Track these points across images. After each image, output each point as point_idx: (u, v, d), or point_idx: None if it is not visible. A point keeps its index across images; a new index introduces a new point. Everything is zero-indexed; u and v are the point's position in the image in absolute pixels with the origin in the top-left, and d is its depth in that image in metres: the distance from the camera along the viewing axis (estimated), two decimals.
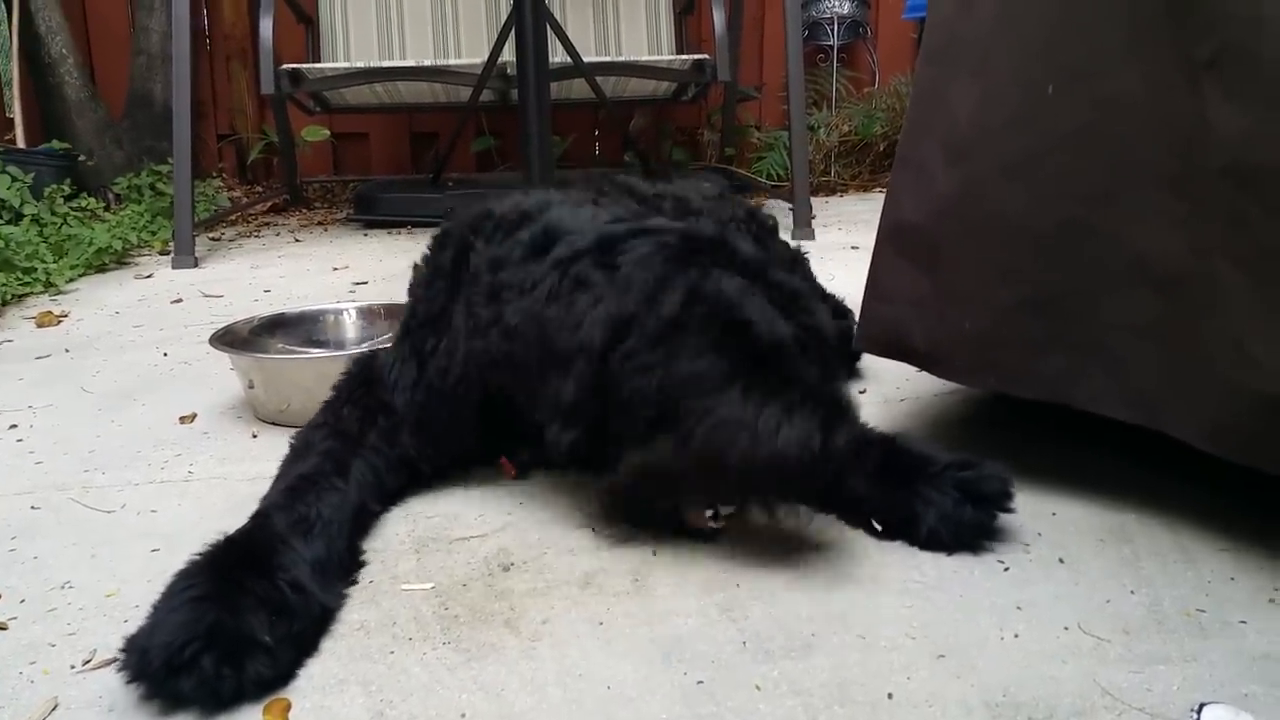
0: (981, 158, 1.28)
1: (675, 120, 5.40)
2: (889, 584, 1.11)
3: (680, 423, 1.10)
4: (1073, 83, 1.17)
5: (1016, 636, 1.00)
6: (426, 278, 1.43)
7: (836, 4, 5.27)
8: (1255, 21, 1.01)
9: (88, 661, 1.00)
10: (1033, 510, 1.29)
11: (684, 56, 4.09)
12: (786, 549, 1.19)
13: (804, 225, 3.65)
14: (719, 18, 3.91)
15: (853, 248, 3.42)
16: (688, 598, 1.09)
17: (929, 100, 1.37)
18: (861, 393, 1.81)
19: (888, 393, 1.80)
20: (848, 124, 5.24)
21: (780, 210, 4.01)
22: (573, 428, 1.18)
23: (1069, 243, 1.20)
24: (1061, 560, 1.16)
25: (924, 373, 1.52)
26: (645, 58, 4.20)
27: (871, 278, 1.48)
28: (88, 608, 1.11)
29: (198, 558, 1.04)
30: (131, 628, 0.97)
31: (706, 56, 3.83)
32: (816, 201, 4.44)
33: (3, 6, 4.49)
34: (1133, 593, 1.08)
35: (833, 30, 5.27)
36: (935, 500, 1.19)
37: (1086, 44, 1.16)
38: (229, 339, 1.81)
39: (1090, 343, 1.21)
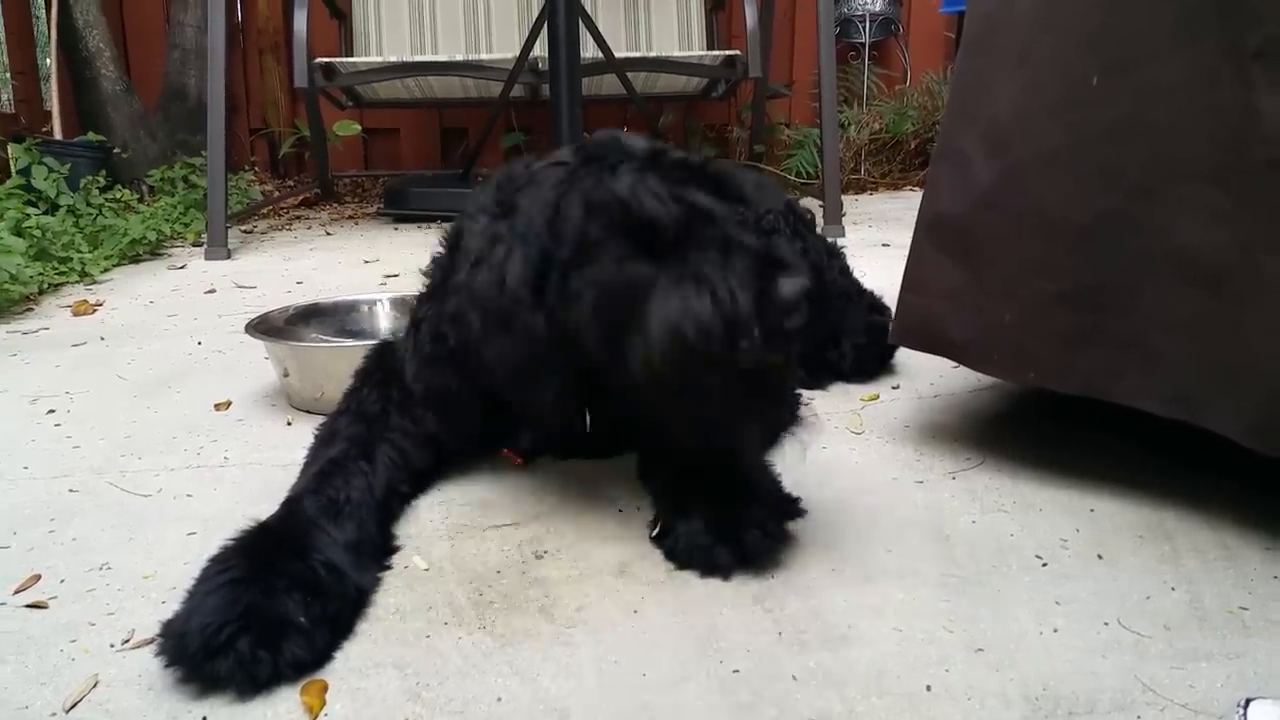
0: (1022, 148, 1.27)
1: (705, 117, 5.39)
2: (925, 577, 1.11)
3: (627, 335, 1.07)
4: (1115, 72, 1.16)
5: (1056, 631, 0.99)
6: (435, 254, 1.44)
7: (869, 1, 5.24)
8: None
9: (127, 641, 1.01)
10: (1070, 506, 1.28)
11: (715, 52, 4.08)
12: (820, 541, 1.18)
13: (835, 222, 3.63)
14: (750, 14, 3.89)
15: (884, 245, 3.40)
16: (723, 588, 1.09)
17: (969, 91, 1.36)
18: (895, 388, 1.80)
19: (921, 389, 1.78)
20: (878, 122, 5.21)
21: (811, 207, 3.99)
22: (535, 389, 1.16)
23: (1109, 235, 1.19)
24: (1100, 556, 1.15)
25: (958, 369, 1.51)
26: (677, 53, 4.19)
27: (908, 271, 1.46)
28: (126, 588, 1.12)
29: (232, 542, 1.05)
30: (169, 609, 0.98)
31: (738, 52, 3.82)
32: (847, 199, 4.42)
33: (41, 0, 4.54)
34: (1173, 589, 1.07)
35: (864, 27, 5.24)
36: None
37: (1130, 33, 1.14)
38: (264, 327, 1.82)
39: (1129, 337, 1.20)
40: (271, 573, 0.99)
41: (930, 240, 1.41)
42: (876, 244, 3.42)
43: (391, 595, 1.08)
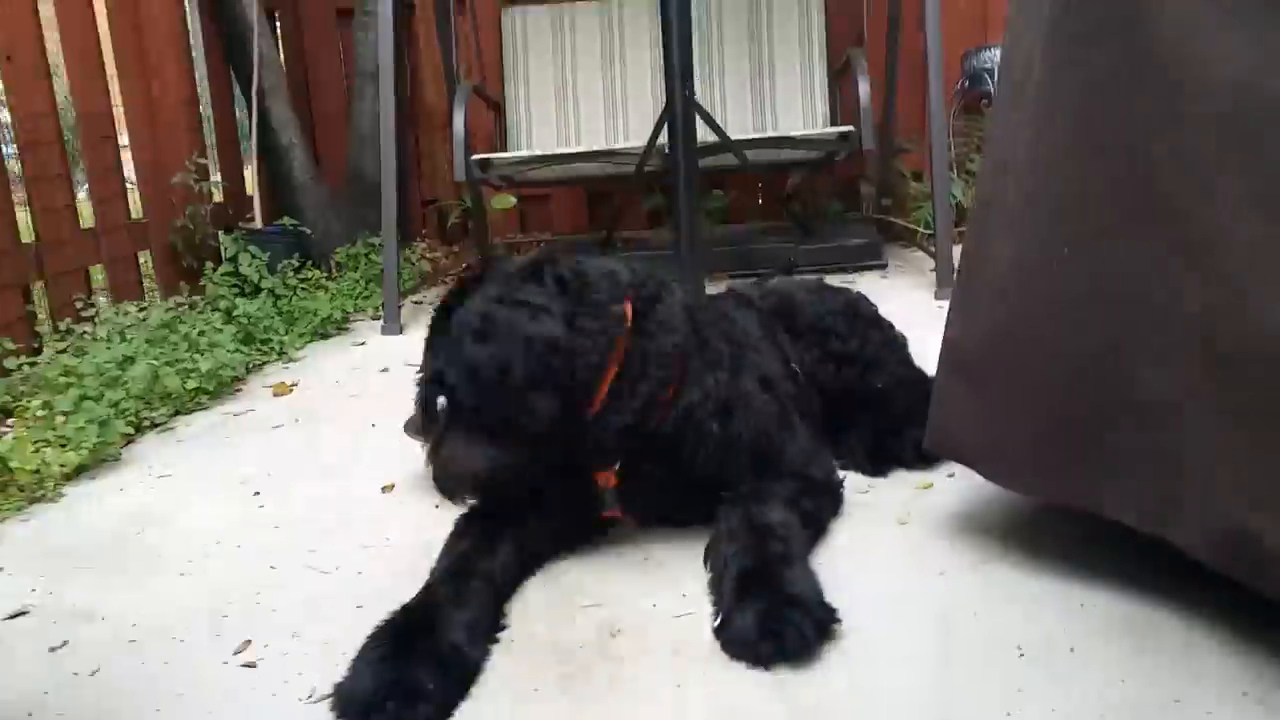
0: (1017, 303, 1.50)
1: (833, 173, 5.62)
2: (923, 664, 1.37)
3: None
4: (1080, 249, 1.39)
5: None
6: None
7: (998, 54, 5.36)
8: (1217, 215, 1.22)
9: (309, 696, 1.39)
10: (1067, 597, 1.50)
11: (829, 130, 4.33)
12: (845, 626, 1.46)
13: (946, 284, 3.82)
14: (864, 90, 4.13)
15: None
16: (753, 672, 1.38)
17: (977, 249, 1.61)
18: (950, 476, 2.02)
19: (975, 477, 1.99)
20: None
21: (927, 263, 4.21)
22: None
23: (1087, 377, 1.42)
24: (1072, 650, 1.37)
25: None
26: (796, 132, 4.46)
27: (935, 386, 1.72)
28: (311, 653, 1.51)
29: (384, 622, 1.44)
30: (339, 672, 1.36)
31: (850, 128, 4.07)
32: None
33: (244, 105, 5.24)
34: (1123, 681, 1.29)
35: (993, 79, 5.37)
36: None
37: (1089, 217, 1.38)
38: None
39: (1108, 461, 1.42)
40: (410, 651, 1.36)
41: (949, 365, 1.66)
42: None
43: (498, 665, 1.43)
